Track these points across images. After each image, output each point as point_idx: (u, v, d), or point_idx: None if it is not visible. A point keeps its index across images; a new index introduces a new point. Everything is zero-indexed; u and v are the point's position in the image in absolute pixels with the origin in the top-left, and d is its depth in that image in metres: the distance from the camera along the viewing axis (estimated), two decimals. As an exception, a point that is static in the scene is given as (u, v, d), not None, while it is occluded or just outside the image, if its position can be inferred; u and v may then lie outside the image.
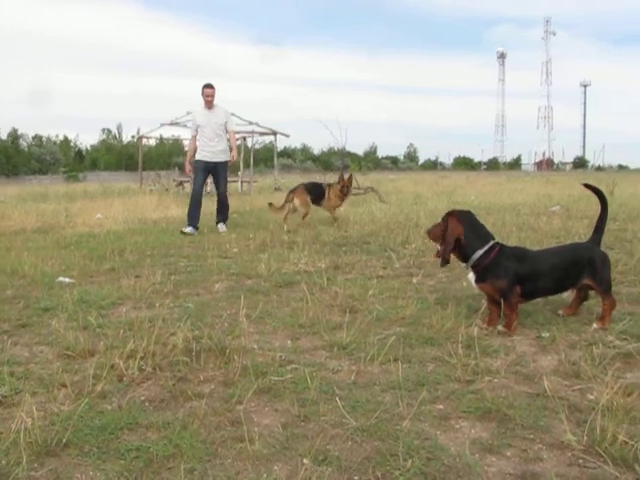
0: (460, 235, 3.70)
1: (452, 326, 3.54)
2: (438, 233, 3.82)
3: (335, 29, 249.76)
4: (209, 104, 9.24)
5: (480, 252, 3.66)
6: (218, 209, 9.42)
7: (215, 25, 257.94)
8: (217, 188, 9.61)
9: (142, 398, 2.71)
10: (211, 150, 9.24)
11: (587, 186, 4.10)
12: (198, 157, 9.32)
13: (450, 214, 3.79)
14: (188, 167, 9.60)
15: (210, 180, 11.83)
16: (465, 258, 3.74)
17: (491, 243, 3.70)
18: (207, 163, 9.25)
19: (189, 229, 8.79)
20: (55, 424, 2.39)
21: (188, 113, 24.90)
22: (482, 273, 3.67)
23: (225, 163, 9.43)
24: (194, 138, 9.45)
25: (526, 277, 3.64)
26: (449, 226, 3.73)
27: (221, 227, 9.27)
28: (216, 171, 9.43)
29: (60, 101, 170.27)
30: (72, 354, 3.25)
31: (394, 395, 2.66)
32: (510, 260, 3.66)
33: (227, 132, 9.44)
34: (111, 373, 2.94)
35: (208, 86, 9.24)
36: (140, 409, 2.57)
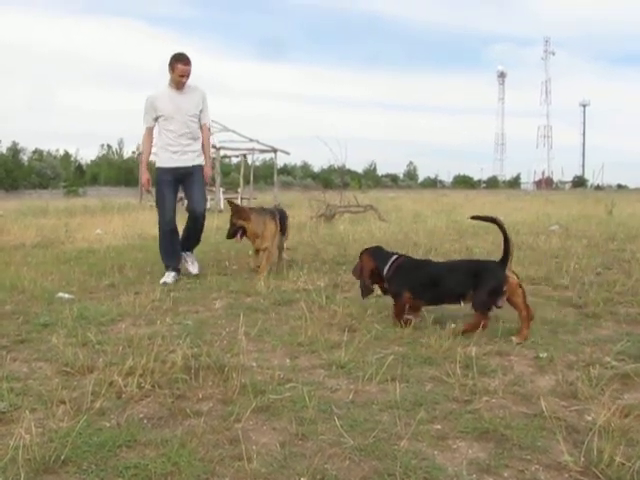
0: (374, 268, 4.33)
1: (450, 346, 3.55)
2: (357, 271, 4.48)
3: (335, 46, 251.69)
4: (180, 85, 6.32)
5: (385, 269, 4.27)
6: (187, 234, 6.64)
7: (217, 41, 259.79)
8: (191, 204, 6.56)
9: (141, 415, 2.71)
10: (181, 150, 6.40)
11: (477, 217, 4.37)
12: (162, 163, 6.45)
13: (363, 252, 4.51)
14: (145, 176, 6.65)
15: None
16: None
17: (392, 258, 4.30)
18: (176, 170, 6.38)
19: (170, 277, 6.22)
20: (53, 441, 2.39)
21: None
22: (387, 284, 4.29)
23: (201, 168, 6.56)
24: (149, 133, 6.53)
25: (417, 285, 4.14)
26: (363, 262, 4.40)
27: (188, 259, 6.71)
28: (189, 180, 6.47)
29: (61, 116, 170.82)
30: (71, 370, 3.26)
31: (392, 414, 2.66)
32: (403, 270, 4.22)
33: (200, 124, 6.57)
34: (110, 390, 2.95)
35: (181, 59, 6.23)
36: (139, 426, 2.57)
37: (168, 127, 6.38)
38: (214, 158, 26.63)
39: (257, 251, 6.64)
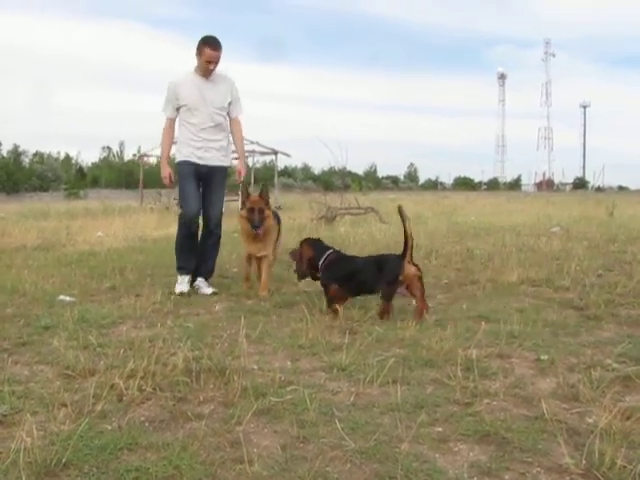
0: (311, 257, 4.82)
1: (451, 348, 3.55)
2: (296, 255, 4.97)
3: (335, 47, 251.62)
4: (207, 72, 5.66)
5: (320, 261, 4.78)
6: (203, 253, 5.88)
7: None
8: (206, 212, 5.84)
9: (142, 418, 2.71)
10: (204, 146, 5.71)
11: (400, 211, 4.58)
12: (182, 156, 5.79)
13: (304, 241, 5.01)
14: (167, 171, 5.78)
15: None
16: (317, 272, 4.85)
17: (327, 253, 4.81)
18: (197, 167, 5.74)
19: (185, 283, 5.70)
20: (55, 444, 2.39)
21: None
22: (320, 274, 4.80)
23: (224, 171, 5.98)
24: (170, 125, 5.85)
25: (340, 277, 4.64)
26: (303, 250, 4.89)
27: (202, 285, 5.80)
28: (209, 183, 5.84)
29: (62, 118, 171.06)
30: (72, 373, 3.26)
31: (393, 417, 2.66)
32: (333, 264, 4.74)
33: (229, 120, 5.93)
34: (111, 393, 2.95)
35: (210, 43, 5.57)
36: (140, 429, 2.58)
37: (190, 119, 5.70)
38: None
39: (249, 258, 5.82)
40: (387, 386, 3.03)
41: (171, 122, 5.83)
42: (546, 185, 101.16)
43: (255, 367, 3.37)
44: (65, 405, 2.80)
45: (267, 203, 5.63)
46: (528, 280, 5.72)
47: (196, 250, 5.78)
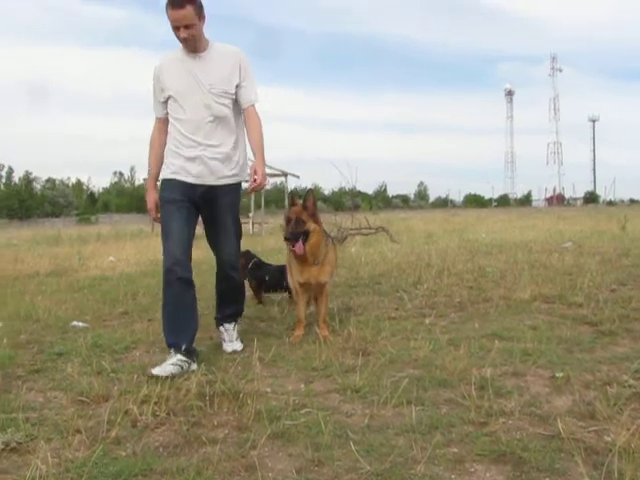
0: (244, 263, 5.75)
1: (465, 367, 3.53)
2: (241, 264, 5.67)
3: (343, 68, 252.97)
4: (189, 46, 4.02)
5: (249, 266, 6.16)
6: (219, 297, 4.51)
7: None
8: (217, 254, 4.34)
9: (156, 444, 2.71)
10: (200, 155, 4.04)
11: None
12: (168, 173, 4.13)
13: (242, 252, 5.37)
14: (152, 200, 4.22)
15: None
16: None
17: (253, 260, 6.27)
18: (191, 188, 4.07)
19: (171, 364, 3.69)
20: (70, 471, 2.40)
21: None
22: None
23: (235, 192, 4.27)
24: (160, 129, 4.22)
25: (257, 277, 6.16)
26: (241, 258, 5.26)
27: (226, 336, 4.39)
28: (214, 211, 4.19)
29: (73, 145, 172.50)
30: (86, 399, 3.26)
31: (408, 438, 2.64)
32: (253, 268, 6.21)
33: (241, 108, 4.18)
34: (125, 418, 2.95)
35: (171, 2, 3.82)
36: (154, 455, 2.57)
37: (179, 115, 4.05)
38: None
39: (302, 289, 4.67)
40: (401, 407, 3.01)
41: (161, 124, 4.21)
42: (557, 200, 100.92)
43: (269, 390, 3.36)
44: (79, 431, 2.80)
45: (313, 215, 4.45)
46: (541, 297, 5.68)
47: (191, 315, 4.00)
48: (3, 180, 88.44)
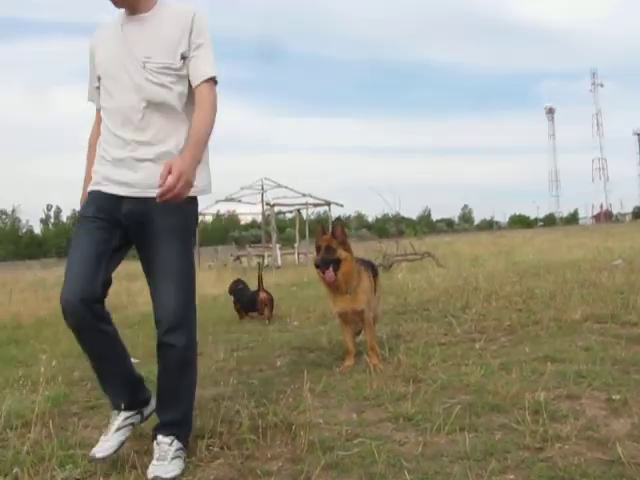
0: (232, 288, 8.07)
1: (517, 391, 3.48)
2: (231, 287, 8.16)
3: (382, 96, 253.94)
4: (127, 6, 2.86)
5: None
6: (158, 385, 3.02)
7: (264, 99, 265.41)
8: (154, 305, 2.90)
9: (211, 478, 2.74)
10: (128, 156, 2.85)
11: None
12: (91, 184, 3.01)
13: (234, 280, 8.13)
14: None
15: None
16: None
17: (238, 285, 8.03)
18: (111, 201, 2.88)
19: (105, 440, 2.91)
20: (129, 507, 2.43)
21: (242, 189, 24.78)
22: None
23: (181, 208, 2.73)
24: (99, 122, 3.06)
25: (239, 299, 7.85)
26: (232, 284, 8.15)
27: (160, 450, 2.82)
28: (144, 237, 2.89)
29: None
30: (140, 435, 3.31)
31: (463, 466, 2.62)
32: (236, 291, 7.95)
33: (189, 83, 2.88)
34: (180, 454, 2.98)
35: None
36: (210, 489, 2.59)
37: (105, 103, 2.99)
38: (268, 215, 26.55)
39: (343, 320, 4.68)
40: (455, 434, 2.99)
41: (100, 118, 3.09)
42: (604, 217, 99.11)
43: (321, 421, 3.36)
44: (135, 467, 2.83)
45: (343, 243, 4.45)
46: (593, 317, 5.58)
47: (112, 363, 3.20)
48: (52, 220, 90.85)
